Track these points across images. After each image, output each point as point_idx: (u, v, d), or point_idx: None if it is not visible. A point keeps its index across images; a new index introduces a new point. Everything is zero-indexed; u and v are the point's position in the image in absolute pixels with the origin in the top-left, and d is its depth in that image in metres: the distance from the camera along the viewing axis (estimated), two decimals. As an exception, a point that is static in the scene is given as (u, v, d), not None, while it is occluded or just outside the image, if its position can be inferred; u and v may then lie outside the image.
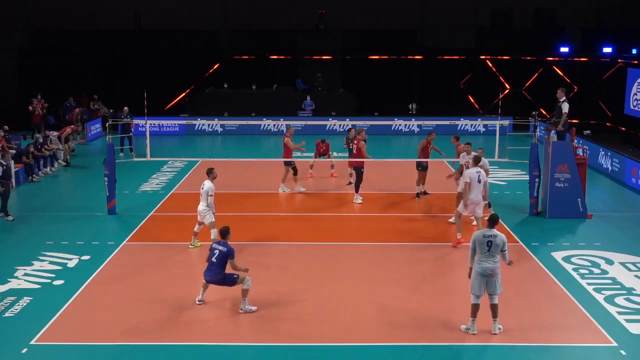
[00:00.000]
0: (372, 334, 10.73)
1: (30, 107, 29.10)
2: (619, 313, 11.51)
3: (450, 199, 17.71)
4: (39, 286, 12.66)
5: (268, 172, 21.56)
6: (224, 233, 11.69)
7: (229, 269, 11.51)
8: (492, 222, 10.64)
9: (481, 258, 10.48)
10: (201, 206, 14.31)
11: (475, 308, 10.61)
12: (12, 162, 18.13)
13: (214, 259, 11.49)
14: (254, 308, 11.56)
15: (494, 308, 10.60)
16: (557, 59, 34.83)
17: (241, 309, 11.52)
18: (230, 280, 11.58)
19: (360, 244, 15.31)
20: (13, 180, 19.22)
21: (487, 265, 10.44)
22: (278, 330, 10.90)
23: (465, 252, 14.48)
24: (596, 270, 13.56)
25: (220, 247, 11.54)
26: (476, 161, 14.71)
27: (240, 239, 15.20)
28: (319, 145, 21.21)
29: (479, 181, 14.38)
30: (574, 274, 13.36)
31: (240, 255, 14.38)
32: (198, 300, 11.80)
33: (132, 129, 24.85)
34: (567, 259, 14.18)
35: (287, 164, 19.44)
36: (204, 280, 11.72)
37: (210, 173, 14.52)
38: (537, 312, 11.54)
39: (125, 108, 25.52)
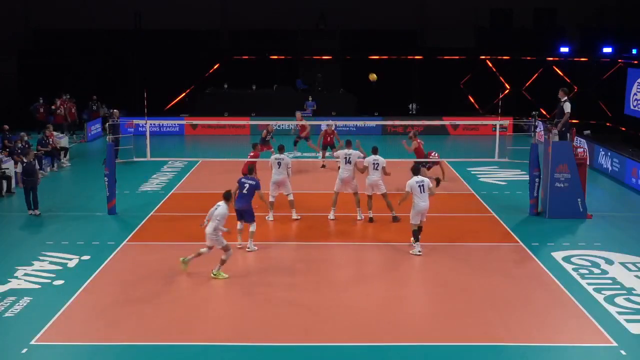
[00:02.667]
0: (372, 334, 10.73)
1: (52, 107, 29.30)
2: (619, 313, 11.51)
3: (455, 199, 17.67)
4: (39, 286, 12.66)
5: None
6: (251, 170, 14.65)
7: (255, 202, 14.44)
8: (415, 171, 14.35)
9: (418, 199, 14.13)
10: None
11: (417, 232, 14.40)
12: (35, 161, 18.47)
13: (245, 191, 14.04)
14: (256, 248, 14.42)
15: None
16: (557, 59, 34.81)
17: (248, 248, 14.39)
18: (250, 216, 14.23)
19: (361, 244, 15.32)
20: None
21: (423, 204, 14.15)
22: (278, 330, 10.91)
23: (467, 252, 14.57)
24: (596, 270, 13.56)
25: (250, 181, 14.17)
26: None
27: (240, 240, 15.20)
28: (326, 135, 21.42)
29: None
30: (574, 274, 13.36)
31: (240, 255, 14.39)
32: (239, 245, 14.41)
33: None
34: (567, 259, 14.18)
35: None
36: (238, 225, 14.36)
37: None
38: (537, 312, 11.54)
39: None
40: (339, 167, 17.22)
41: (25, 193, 17.49)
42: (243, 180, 14.35)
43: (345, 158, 16.63)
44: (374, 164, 16.42)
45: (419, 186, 14.13)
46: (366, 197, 16.55)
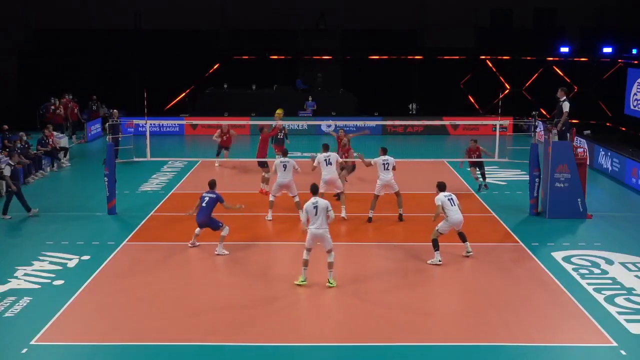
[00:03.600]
0: (372, 334, 10.73)
1: (53, 107, 29.16)
2: (619, 313, 11.51)
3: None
4: (39, 286, 12.66)
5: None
6: (212, 184, 14.54)
7: (220, 211, 14.55)
8: (442, 187, 14.06)
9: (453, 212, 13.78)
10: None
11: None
12: (15, 165, 18.21)
13: (204, 205, 14.20)
14: (226, 252, 14.32)
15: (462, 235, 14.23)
16: (557, 59, 34.82)
17: (216, 251, 14.30)
18: (214, 225, 14.31)
19: (361, 244, 15.31)
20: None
21: (457, 216, 13.83)
22: (278, 330, 10.90)
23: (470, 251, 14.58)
24: (596, 270, 13.56)
25: (210, 195, 14.32)
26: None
27: (239, 239, 15.19)
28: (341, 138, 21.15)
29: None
30: (574, 274, 13.36)
31: (239, 255, 14.39)
32: (190, 244, 14.72)
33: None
34: (567, 259, 14.18)
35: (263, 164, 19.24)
36: (197, 230, 14.61)
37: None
38: (537, 312, 11.54)
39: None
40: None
41: (8, 196, 17.38)
42: (204, 194, 14.46)
43: (326, 160, 16.79)
44: (384, 164, 16.61)
45: (449, 200, 13.88)
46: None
